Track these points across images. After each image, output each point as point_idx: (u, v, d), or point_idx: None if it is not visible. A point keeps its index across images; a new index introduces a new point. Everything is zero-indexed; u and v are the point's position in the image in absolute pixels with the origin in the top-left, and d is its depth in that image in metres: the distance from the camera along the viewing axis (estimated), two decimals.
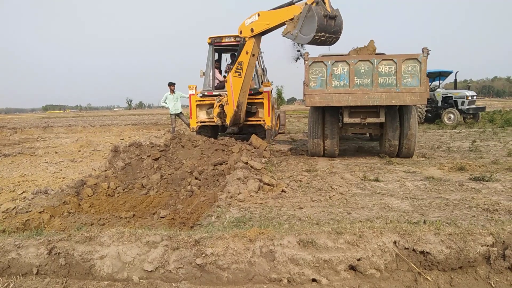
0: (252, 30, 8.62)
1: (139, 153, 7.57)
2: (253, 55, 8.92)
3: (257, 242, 3.01)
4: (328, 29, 7.28)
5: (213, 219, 4.30)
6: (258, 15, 8.47)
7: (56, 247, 3.13)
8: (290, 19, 7.63)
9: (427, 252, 2.95)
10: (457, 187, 5.60)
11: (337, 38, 7.67)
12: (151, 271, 2.95)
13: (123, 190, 6.46)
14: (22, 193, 6.78)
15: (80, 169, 9.13)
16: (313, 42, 7.35)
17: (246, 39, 8.81)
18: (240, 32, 8.93)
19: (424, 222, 3.67)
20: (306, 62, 7.68)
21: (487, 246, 2.96)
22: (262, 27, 8.50)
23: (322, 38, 7.32)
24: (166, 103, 13.68)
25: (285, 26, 7.77)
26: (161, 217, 5.23)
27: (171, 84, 13.58)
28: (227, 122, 10.24)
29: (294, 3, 8.06)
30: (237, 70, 9.17)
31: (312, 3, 7.20)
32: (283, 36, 7.72)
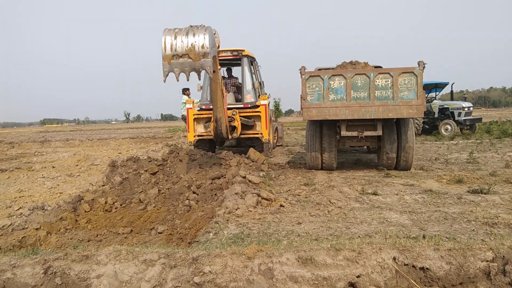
0: None
1: (137, 168, 7.55)
2: (213, 71, 8.60)
3: (255, 259, 2.98)
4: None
5: (211, 236, 4.27)
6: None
7: (52, 266, 3.09)
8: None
9: (427, 268, 2.93)
10: (456, 200, 5.59)
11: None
12: None
13: (121, 205, 6.43)
14: (18, 209, 6.74)
15: (78, 184, 9.10)
16: None
17: None
18: None
19: (424, 237, 3.65)
20: (303, 76, 7.72)
21: (487, 261, 2.94)
22: None
23: None
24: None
25: None
26: (159, 233, 5.21)
27: (187, 89, 13.57)
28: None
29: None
30: None
31: None
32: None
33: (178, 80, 5.64)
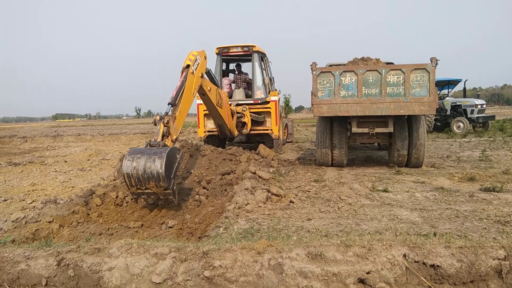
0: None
1: None
2: (203, 94, 7.99)
3: (265, 254, 2.99)
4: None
5: (221, 230, 4.29)
6: (205, 57, 7.62)
7: (65, 259, 3.14)
8: None
9: (438, 266, 2.91)
10: (468, 198, 5.54)
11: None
12: (159, 283, 2.95)
13: (132, 199, 6.47)
14: (31, 202, 6.84)
15: (89, 178, 9.21)
16: None
17: None
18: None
19: (434, 235, 3.63)
20: (314, 72, 7.68)
21: (499, 259, 2.91)
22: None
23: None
24: None
25: None
26: (169, 227, 5.23)
27: None
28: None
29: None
30: None
31: None
32: None
33: (149, 203, 5.75)
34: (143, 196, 5.42)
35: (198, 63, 7.03)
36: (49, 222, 5.30)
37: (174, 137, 5.99)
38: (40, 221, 5.33)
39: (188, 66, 6.69)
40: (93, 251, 3.20)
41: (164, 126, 5.75)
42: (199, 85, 7.13)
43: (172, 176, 5.23)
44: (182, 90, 6.36)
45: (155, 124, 5.82)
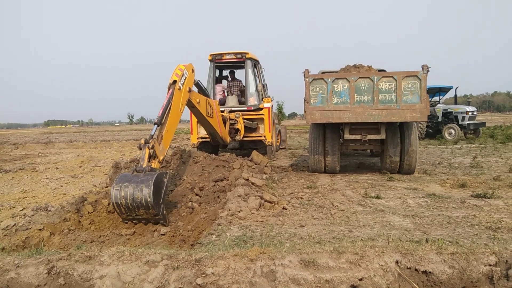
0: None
1: None
2: (192, 107, 7.89)
3: (258, 261, 2.98)
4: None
5: (214, 238, 4.28)
6: (193, 71, 7.45)
7: (56, 267, 3.11)
8: None
9: (430, 272, 2.93)
10: (459, 204, 5.57)
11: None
12: None
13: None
14: (22, 210, 6.76)
15: (81, 185, 9.13)
16: None
17: None
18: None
19: (426, 241, 3.64)
20: (307, 79, 7.73)
21: (490, 265, 2.93)
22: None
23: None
24: None
25: None
26: (162, 235, 5.20)
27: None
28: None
29: None
30: None
31: None
32: None
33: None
34: (134, 221, 5.51)
35: (185, 78, 6.87)
36: (40, 229, 5.24)
37: (161, 158, 5.91)
38: (30, 228, 5.27)
39: (174, 82, 6.54)
40: (84, 259, 3.16)
41: (150, 149, 5.67)
42: (186, 100, 7.01)
43: (161, 202, 5.29)
44: (168, 108, 6.22)
45: (140, 149, 5.72)
